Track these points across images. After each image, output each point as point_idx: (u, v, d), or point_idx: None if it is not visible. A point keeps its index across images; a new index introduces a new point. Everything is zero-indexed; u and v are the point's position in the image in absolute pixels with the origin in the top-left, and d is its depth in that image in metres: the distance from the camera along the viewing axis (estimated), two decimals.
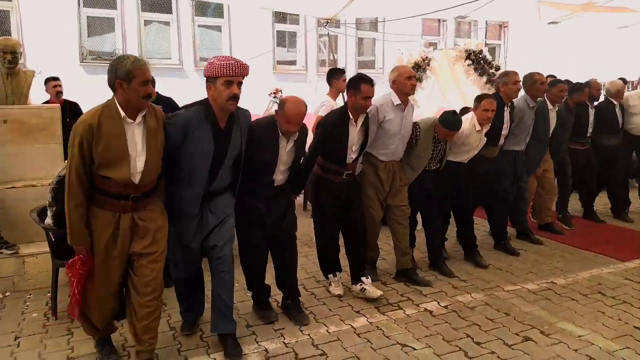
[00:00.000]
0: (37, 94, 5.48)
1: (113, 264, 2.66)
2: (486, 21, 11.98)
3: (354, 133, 3.58)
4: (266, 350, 3.03)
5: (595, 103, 5.80)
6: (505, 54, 12.46)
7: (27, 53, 7.48)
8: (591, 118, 5.65)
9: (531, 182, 5.12)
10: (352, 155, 3.62)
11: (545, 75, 5.20)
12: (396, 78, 3.84)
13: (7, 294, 3.84)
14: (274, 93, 7.64)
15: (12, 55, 4.30)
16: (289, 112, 3.04)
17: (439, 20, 11.60)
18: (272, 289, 3.53)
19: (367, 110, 3.60)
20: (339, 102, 5.22)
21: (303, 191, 5.61)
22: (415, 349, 3.04)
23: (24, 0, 7.90)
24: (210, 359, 2.95)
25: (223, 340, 3.01)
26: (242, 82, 2.76)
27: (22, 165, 4.25)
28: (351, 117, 3.54)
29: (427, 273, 4.22)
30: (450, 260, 4.50)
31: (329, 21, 8.62)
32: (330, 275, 3.86)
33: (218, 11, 9.65)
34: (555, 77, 6.41)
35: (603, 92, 6.08)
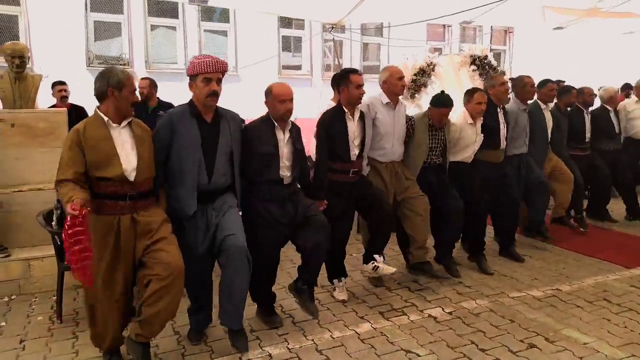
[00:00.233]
0: (44, 98, 5.53)
1: (117, 275, 2.69)
2: (491, 26, 12.00)
3: (353, 127, 3.60)
4: (270, 355, 3.03)
5: (591, 109, 5.92)
6: (511, 60, 12.46)
7: (35, 57, 7.52)
8: (587, 124, 5.77)
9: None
10: (355, 150, 3.62)
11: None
12: (387, 78, 3.85)
13: (13, 297, 3.87)
14: None
15: (20, 59, 4.34)
16: (277, 90, 3.17)
17: (444, 25, 11.61)
18: (278, 295, 3.52)
19: (360, 106, 3.64)
20: None
21: None
22: (419, 355, 3.03)
23: (32, 4, 7.98)
24: None
25: (232, 333, 3.04)
26: (221, 80, 2.94)
27: (29, 169, 4.28)
28: (347, 111, 3.57)
29: (430, 279, 4.17)
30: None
31: (334, 26, 8.65)
32: (335, 280, 3.86)
33: (224, 16, 9.71)
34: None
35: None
